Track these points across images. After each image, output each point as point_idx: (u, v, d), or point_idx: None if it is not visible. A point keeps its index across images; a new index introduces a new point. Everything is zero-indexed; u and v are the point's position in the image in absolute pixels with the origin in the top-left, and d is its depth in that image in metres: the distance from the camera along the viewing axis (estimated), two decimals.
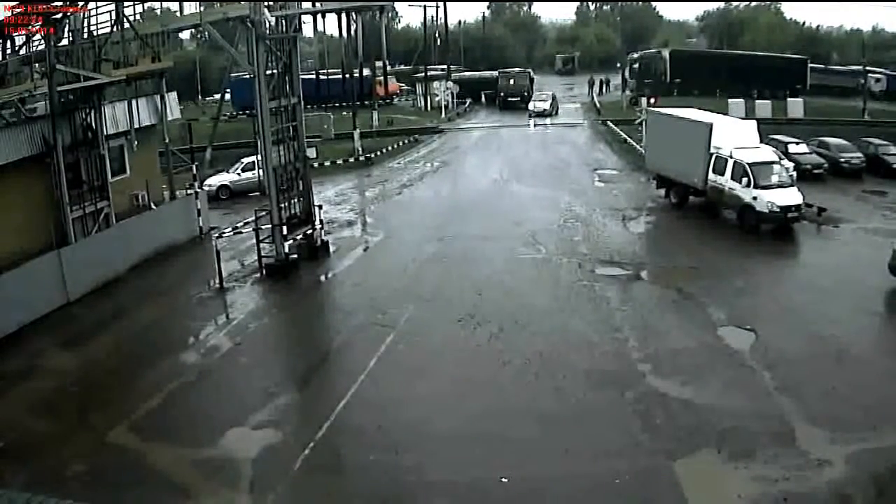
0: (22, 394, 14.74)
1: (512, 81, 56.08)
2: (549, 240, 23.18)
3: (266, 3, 20.12)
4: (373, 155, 38.18)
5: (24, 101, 21.72)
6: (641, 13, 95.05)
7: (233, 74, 44.00)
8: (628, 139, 38.65)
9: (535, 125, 48.06)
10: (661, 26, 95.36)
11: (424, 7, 57.67)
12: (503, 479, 11.41)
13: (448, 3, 59.50)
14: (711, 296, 18.24)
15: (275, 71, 20.94)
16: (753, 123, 25.53)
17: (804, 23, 75.65)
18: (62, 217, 20.74)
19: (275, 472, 11.86)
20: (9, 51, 22.37)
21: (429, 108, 54.23)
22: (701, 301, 17.98)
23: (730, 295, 18.34)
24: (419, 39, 61.85)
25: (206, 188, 29.02)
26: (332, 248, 22.95)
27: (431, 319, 17.49)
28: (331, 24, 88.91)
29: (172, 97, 26.95)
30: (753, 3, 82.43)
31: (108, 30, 21.55)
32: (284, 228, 21.06)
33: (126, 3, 21.47)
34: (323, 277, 21.35)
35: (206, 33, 24.22)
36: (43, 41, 20.57)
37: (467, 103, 55.94)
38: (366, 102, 45.72)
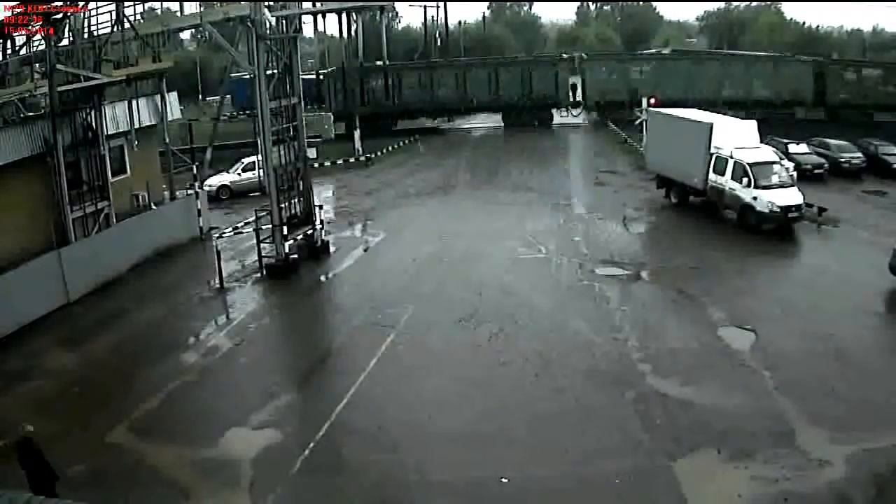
0: (22, 394, 14.74)
1: None
2: (550, 240, 23.17)
3: (266, 4, 20.13)
4: (372, 155, 38.21)
5: (25, 100, 21.75)
6: (642, 13, 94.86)
7: (233, 74, 43.99)
8: (628, 139, 38.63)
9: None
10: (661, 26, 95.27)
11: (425, 7, 57.59)
12: (503, 479, 11.40)
13: (448, 4, 59.37)
14: (712, 296, 18.23)
15: (275, 71, 20.97)
16: (754, 123, 25.50)
17: (804, 23, 75.61)
18: (62, 217, 20.78)
19: (275, 472, 11.85)
20: (9, 51, 22.41)
21: None
22: (701, 301, 17.97)
23: (730, 295, 18.33)
24: (419, 40, 61.83)
25: (206, 188, 29.03)
26: (332, 248, 22.96)
27: (431, 319, 17.48)
28: (331, 25, 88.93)
29: (173, 97, 26.99)
30: (754, 4, 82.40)
31: (108, 30, 21.61)
32: (285, 228, 21.06)
33: (126, 4, 21.53)
34: (323, 277, 21.34)
35: (207, 33, 24.25)
36: (43, 41, 20.61)
37: None
38: None
